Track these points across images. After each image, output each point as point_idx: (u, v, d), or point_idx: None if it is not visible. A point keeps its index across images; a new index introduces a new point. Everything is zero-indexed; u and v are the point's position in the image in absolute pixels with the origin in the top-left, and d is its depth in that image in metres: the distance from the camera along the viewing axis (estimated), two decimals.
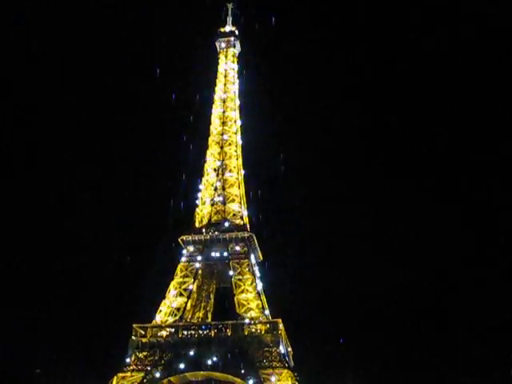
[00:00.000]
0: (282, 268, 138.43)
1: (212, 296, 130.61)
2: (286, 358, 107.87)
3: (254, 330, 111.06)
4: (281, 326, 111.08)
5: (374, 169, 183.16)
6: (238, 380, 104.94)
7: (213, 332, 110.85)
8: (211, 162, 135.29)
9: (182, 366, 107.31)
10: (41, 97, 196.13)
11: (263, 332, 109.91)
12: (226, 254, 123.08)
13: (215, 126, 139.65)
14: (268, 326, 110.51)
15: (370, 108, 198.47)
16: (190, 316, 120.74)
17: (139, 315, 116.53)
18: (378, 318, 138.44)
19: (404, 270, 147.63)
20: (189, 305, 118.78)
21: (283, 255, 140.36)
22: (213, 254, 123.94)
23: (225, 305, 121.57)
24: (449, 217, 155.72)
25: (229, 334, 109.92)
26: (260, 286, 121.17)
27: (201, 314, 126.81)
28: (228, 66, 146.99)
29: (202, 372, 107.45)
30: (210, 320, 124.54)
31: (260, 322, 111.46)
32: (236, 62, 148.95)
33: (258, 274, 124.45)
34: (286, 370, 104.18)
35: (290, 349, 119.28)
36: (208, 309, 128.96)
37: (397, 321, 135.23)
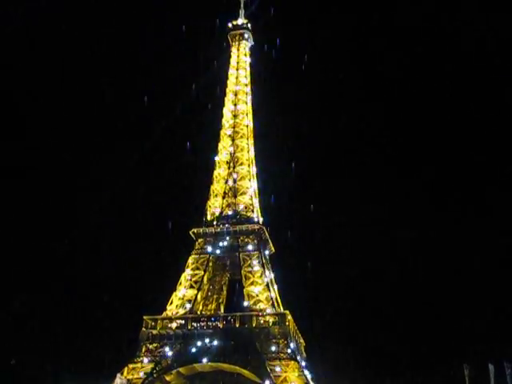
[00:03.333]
0: (294, 260, 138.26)
1: (225, 288, 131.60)
2: (295, 350, 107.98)
3: (262, 321, 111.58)
4: (289, 317, 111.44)
5: (383, 164, 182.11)
6: (246, 371, 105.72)
7: (221, 324, 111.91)
8: (222, 154, 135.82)
9: (190, 357, 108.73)
10: (49, 94, 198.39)
11: (271, 324, 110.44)
12: (236, 246, 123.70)
13: (227, 118, 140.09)
14: (276, 317, 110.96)
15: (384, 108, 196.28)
16: (201, 308, 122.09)
17: (150, 307, 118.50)
18: (387, 310, 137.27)
19: (416, 263, 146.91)
20: (199, 297, 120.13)
21: (296, 248, 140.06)
22: (223, 247, 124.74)
23: (238, 297, 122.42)
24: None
25: (237, 325, 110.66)
26: (271, 278, 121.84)
27: (213, 306, 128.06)
28: (240, 59, 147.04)
29: (210, 363, 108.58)
30: (222, 312, 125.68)
31: (268, 314, 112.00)
32: (248, 55, 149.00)
33: (269, 266, 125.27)
34: (292, 362, 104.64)
35: (301, 340, 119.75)
36: (220, 301, 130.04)
37: (406, 314, 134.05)
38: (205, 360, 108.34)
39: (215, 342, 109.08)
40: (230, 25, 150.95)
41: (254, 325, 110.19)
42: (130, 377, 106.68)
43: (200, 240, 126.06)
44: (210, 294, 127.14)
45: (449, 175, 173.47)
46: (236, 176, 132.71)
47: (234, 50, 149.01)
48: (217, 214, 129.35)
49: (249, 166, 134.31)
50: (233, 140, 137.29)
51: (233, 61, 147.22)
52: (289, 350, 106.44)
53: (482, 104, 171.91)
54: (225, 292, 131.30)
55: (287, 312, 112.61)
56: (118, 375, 70.97)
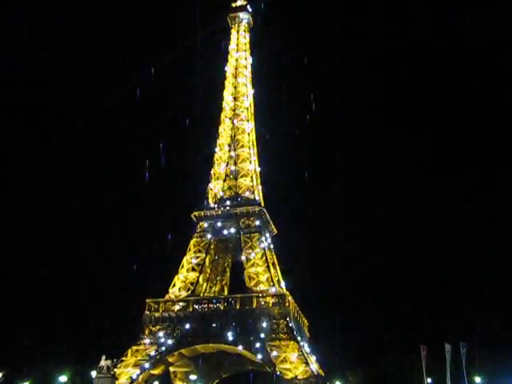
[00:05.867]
0: (297, 241, 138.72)
1: (228, 270, 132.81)
2: (295, 330, 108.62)
3: (262, 302, 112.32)
4: (289, 298, 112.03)
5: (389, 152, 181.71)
6: (246, 352, 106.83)
7: (222, 305, 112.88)
8: (223, 137, 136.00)
9: (192, 339, 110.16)
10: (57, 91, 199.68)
11: (271, 305, 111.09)
12: (237, 228, 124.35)
13: (227, 101, 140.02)
14: (276, 298, 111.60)
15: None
16: (204, 290, 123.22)
17: (153, 290, 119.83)
18: (388, 291, 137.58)
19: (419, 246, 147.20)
20: (201, 279, 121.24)
21: (298, 229, 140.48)
22: (225, 229, 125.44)
23: (241, 279, 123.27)
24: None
25: (238, 307, 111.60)
26: (272, 259, 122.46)
27: (217, 288, 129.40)
28: (239, 41, 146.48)
29: (211, 344, 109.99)
30: (226, 293, 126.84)
31: (268, 295, 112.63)
32: (248, 37, 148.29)
33: (271, 247, 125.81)
34: (292, 342, 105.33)
35: (304, 320, 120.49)
36: (224, 283, 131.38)
37: (408, 296, 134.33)
38: (206, 341, 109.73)
39: (216, 324, 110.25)
40: (229, 7, 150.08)
41: (254, 306, 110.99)
42: (133, 359, 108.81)
43: (201, 223, 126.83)
44: (213, 276, 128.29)
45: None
46: (236, 158, 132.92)
47: (233, 32, 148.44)
48: (218, 196, 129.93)
49: (249, 148, 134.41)
50: (233, 123, 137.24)
51: (232, 43, 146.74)
52: (288, 331, 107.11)
53: None
54: (228, 274, 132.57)
55: (287, 293, 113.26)
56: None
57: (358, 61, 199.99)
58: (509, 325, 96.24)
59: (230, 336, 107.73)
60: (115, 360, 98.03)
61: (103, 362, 72.02)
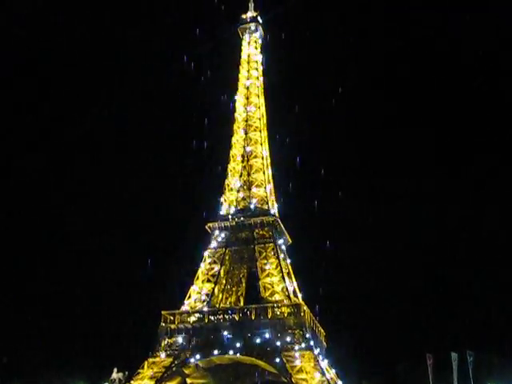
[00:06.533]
0: (313, 251, 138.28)
1: (244, 280, 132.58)
2: (310, 340, 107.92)
3: (278, 313, 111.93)
4: (304, 308, 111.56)
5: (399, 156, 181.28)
6: (262, 362, 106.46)
7: (238, 316, 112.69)
8: (236, 148, 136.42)
9: (208, 350, 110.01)
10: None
11: (286, 315, 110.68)
12: (251, 238, 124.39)
13: (239, 112, 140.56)
14: (291, 308, 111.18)
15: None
16: (220, 301, 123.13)
17: (169, 302, 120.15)
18: (405, 300, 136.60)
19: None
20: (216, 290, 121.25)
21: (313, 238, 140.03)
22: (239, 240, 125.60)
23: (257, 289, 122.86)
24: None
25: (253, 317, 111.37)
26: (287, 269, 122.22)
27: (233, 299, 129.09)
28: (251, 52, 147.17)
29: (227, 356, 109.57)
30: (242, 304, 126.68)
31: (283, 305, 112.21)
32: (259, 48, 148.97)
33: (286, 257, 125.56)
34: (308, 352, 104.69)
35: (321, 330, 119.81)
36: (240, 293, 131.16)
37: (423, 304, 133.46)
38: (222, 352, 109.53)
39: (232, 335, 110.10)
40: (240, 18, 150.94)
41: (269, 316, 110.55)
42: (149, 371, 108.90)
43: (216, 234, 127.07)
44: (228, 287, 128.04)
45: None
46: (250, 169, 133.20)
47: (244, 43, 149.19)
48: (232, 207, 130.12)
49: (263, 158, 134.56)
50: (246, 133, 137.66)
51: (243, 54, 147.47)
52: (304, 341, 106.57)
53: None
54: (244, 284, 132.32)
55: (302, 303, 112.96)
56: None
57: (357, 61, 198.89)
58: None
59: (245, 347, 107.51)
60: (126, 372, 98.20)
61: (115, 375, 72.42)
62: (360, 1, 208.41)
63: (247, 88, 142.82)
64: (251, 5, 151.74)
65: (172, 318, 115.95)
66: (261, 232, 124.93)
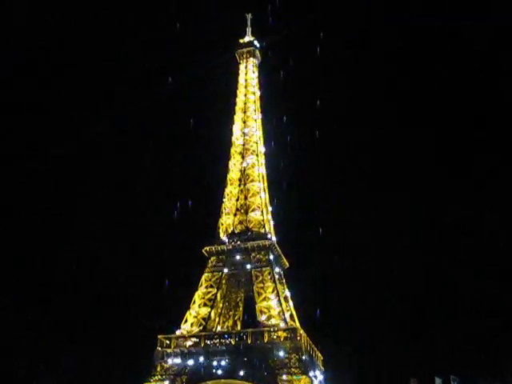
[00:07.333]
0: (310, 275, 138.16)
1: (241, 304, 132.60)
2: (307, 364, 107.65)
3: (274, 336, 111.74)
4: (301, 332, 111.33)
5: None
6: None
7: (234, 340, 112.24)
8: (233, 171, 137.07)
9: (204, 374, 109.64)
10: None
11: (283, 339, 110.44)
12: (248, 262, 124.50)
13: (236, 136, 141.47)
14: (288, 332, 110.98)
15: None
16: (217, 325, 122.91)
17: (165, 326, 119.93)
18: (404, 323, 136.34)
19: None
20: (213, 314, 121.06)
21: (311, 262, 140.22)
22: (236, 264, 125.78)
23: (254, 313, 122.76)
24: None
25: (249, 341, 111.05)
26: (284, 293, 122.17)
27: (230, 323, 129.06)
28: (248, 76, 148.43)
29: (223, 380, 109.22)
30: (238, 328, 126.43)
31: (279, 329, 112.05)
32: (256, 72, 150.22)
33: (283, 281, 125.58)
34: (304, 376, 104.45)
35: (318, 354, 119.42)
36: (237, 317, 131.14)
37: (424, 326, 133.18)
38: (219, 376, 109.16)
39: (228, 359, 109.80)
40: (237, 43, 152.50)
41: (265, 340, 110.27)
42: None
43: (212, 258, 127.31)
44: (225, 311, 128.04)
45: None
46: (247, 193, 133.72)
47: (241, 67, 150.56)
48: (229, 231, 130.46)
49: (259, 182, 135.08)
50: (243, 157, 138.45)
51: (241, 78, 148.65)
52: (301, 365, 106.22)
53: None
54: (241, 308, 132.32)
55: (299, 326, 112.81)
56: None
57: (357, 61, 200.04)
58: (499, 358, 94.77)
59: (241, 371, 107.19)
60: None
61: None
62: (360, 1, 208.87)
63: (244, 112, 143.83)
64: (249, 29, 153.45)
65: (168, 342, 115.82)
66: (257, 256, 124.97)
